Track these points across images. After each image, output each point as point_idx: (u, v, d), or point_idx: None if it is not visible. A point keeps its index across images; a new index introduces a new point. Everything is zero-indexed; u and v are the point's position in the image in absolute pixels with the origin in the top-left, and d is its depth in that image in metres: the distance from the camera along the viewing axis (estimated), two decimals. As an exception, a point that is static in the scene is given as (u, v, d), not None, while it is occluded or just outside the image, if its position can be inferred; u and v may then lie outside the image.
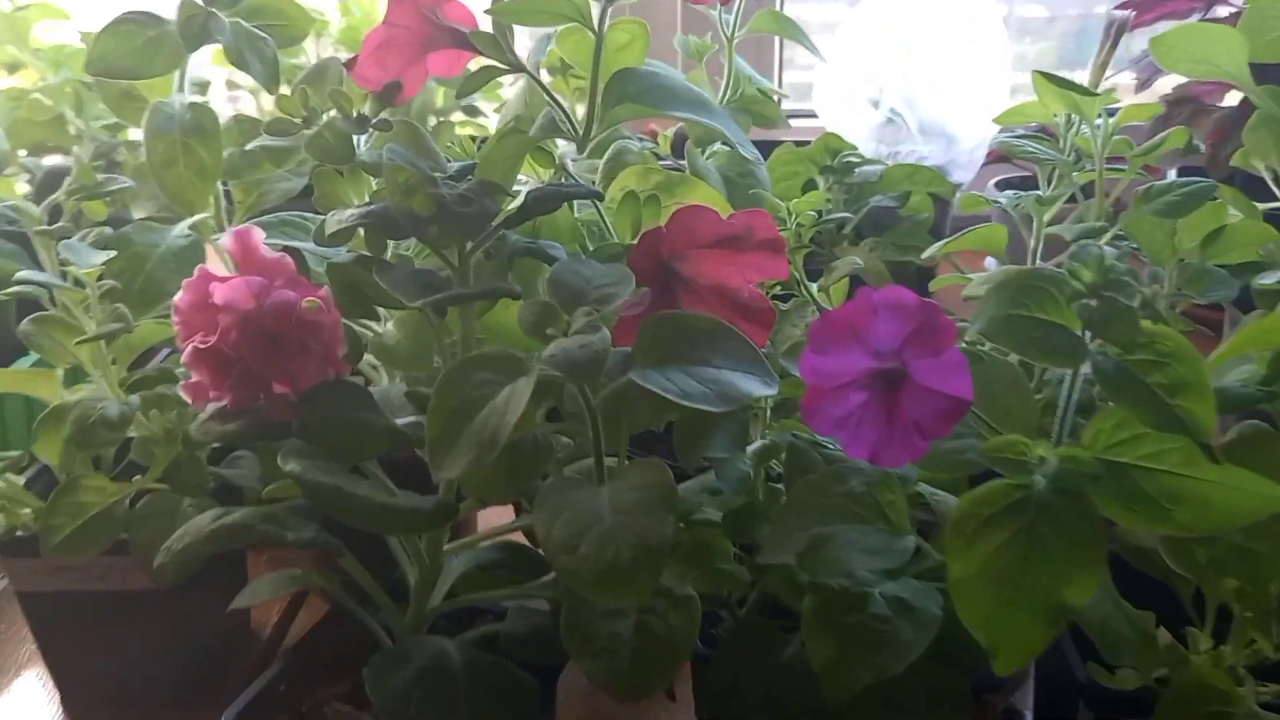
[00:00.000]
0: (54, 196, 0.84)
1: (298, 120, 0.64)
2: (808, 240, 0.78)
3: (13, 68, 1.06)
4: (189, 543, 0.56)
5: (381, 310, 0.68)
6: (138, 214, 0.99)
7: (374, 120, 0.63)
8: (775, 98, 0.95)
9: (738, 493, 0.61)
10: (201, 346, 0.60)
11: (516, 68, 0.63)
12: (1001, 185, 1.53)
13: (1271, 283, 0.62)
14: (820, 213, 0.92)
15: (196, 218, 0.90)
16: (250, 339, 0.59)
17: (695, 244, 0.59)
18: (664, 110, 0.61)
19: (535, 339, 0.51)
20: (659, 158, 0.74)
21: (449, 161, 0.63)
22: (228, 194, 0.87)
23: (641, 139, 0.79)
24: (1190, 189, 0.65)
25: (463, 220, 0.57)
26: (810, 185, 0.96)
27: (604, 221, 0.68)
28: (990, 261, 0.82)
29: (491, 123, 1.10)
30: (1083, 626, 0.54)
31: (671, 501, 0.49)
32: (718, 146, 0.90)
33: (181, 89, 0.83)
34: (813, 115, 1.24)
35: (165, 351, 0.94)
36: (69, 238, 0.83)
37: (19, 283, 0.70)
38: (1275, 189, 0.70)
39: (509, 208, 0.60)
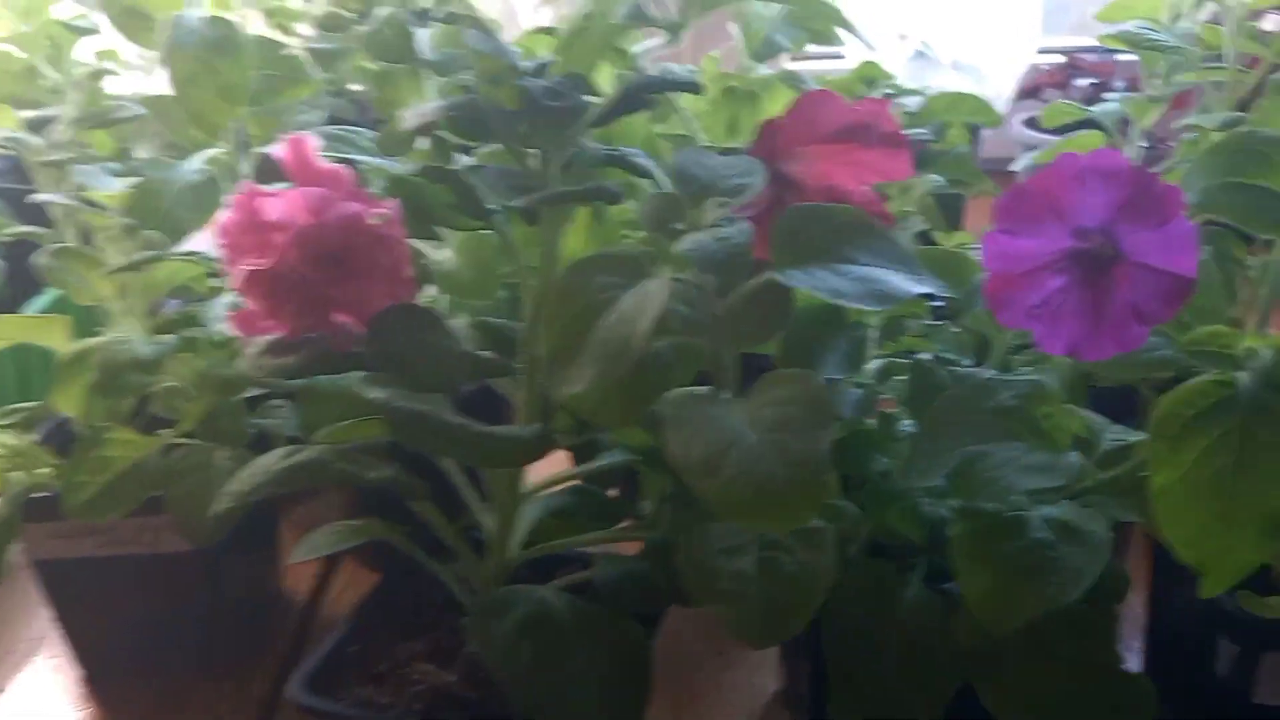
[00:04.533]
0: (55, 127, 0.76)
1: (351, 13, 0.57)
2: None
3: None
4: (257, 483, 0.49)
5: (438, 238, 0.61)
6: (141, 154, 0.91)
7: (439, 14, 0.57)
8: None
9: (857, 416, 0.55)
10: (256, 268, 0.53)
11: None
12: (1028, 123, 1.48)
13: None
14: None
15: (209, 152, 0.82)
16: (312, 258, 0.53)
17: (814, 138, 0.53)
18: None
19: (660, 235, 0.45)
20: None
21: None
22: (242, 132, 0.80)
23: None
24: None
25: (555, 115, 0.50)
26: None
27: (690, 128, 0.61)
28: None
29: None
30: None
31: (828, 414, 0.43)
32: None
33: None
34: (838, 57, 1.17)
35: (175, 303, 0.86)
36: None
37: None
38: None
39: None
